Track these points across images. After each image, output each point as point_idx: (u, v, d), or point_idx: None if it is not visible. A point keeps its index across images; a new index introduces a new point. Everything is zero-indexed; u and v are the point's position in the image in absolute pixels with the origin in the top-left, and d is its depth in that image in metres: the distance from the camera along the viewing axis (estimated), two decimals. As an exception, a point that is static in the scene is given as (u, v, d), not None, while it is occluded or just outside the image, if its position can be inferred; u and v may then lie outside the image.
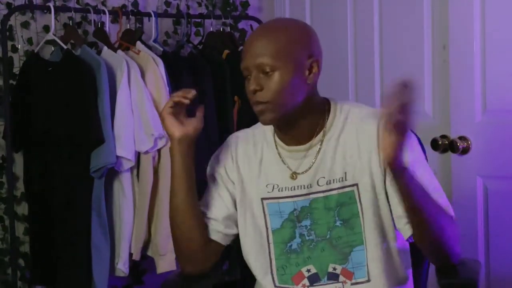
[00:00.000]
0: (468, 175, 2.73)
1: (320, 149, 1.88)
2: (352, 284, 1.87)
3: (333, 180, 1.87)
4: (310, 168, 1.89)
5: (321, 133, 1.89)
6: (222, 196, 1.97)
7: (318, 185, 1.88)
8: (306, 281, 1.89)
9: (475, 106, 2.72)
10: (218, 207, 1.96)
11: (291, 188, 1.89)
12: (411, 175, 1.74)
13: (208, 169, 2.01)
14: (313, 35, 1.89)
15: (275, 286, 1.92)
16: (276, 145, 1.93)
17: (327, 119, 1.90)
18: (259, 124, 1.96)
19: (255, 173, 1.93)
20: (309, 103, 1.87)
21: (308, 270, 1.88)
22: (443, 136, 2.79)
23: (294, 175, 1.89)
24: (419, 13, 2.93)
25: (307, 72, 1.84)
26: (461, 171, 2.74)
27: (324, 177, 1.87)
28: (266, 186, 1.92)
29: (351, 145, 1.87)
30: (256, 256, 1.95)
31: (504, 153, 2.67)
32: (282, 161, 1.91)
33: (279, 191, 1.90)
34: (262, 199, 1.92)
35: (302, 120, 1.87)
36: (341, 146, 1.87)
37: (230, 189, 1.97)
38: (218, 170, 1.98)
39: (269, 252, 1.92)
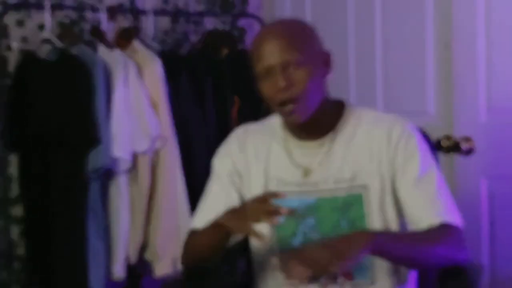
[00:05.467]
0: (472, 176, 2.73)
1: (330, 148, 1.88)
2: (352, 286, 1.86)
3: (341, 179, 1.87)
4: (319, 166, 1.89)
5: (331, 132, 1.89)
6: (229, 194, 1.95)
7: (325, 183, 1.87)
8: None
9: (479, 106, 2.71)
10: (225, 207, 1.91)
11: (297, 184, 1.89)
12: (387, 243, 1.73)
13: (216, 162, 2.00)
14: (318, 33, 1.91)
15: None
16: (285, 140, 1.93)
17: (340, 119, 1.91)
18: (269, 118, 1.97)
19: (261, 166, 1.93)
20: (325, 100, 1.88)
21: None
22: (447, 137, 2.76)
23: (305, 172, 1.89)
24: (421, 11, 2.93)
25: (324, 66, 1.86)
26: (465, 172, 2.74)
27: (332, 176, 1.87)
28: (271, 180, 1.92)
29: (362, 148, 1.87)
30: (259, 253, 1.95)
31: (509, 154, 2.66)
32: (291, 156, 1.91)
33: (284, 185, 1.90)
34: None
35: (317, 116, 1.86)
36: (352, 147, 1.88)
37: (236, 184, 1.95)
38: (225, 164, 1.97)
39: (272, 247, 1.92)
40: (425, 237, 1.79)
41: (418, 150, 1.86)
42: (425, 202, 1.83)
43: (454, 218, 1.83)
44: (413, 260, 1.79)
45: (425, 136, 2.09)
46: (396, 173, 1.85)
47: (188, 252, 1.97)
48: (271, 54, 1.80)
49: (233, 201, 1.92)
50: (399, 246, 1.74)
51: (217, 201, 1.94)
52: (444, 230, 1.80)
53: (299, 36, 1.83)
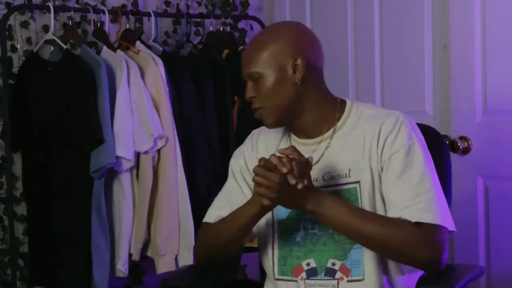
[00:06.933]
0: (468, 175, 2.73)
1: (329, 145, 1.91)
2: (348, 281, 1.87)
3: (337, 175, 1.89)
4: (317, 162, 1.91)
5: (332, 129, 1.92)
6: (242, 190, 2.01)
7: (323, 179, 1.90)
8: (304, 274, 1.90)
9: (475, 106, 2.72)
10: (241, 202, 1.96)
11: None
12: (328, 210, 1.81)
13: (232, 161, 2.06)
14: (298, 32, 1.93)
15: (274, 279, 1.94)
16: (290, 138, 1.98)
17: (340, 116, 1.93)
18: None
19: None
20: (308, 99, 1.91)
21: (308, 264, 1.90)
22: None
23: None
24: (419, 13, 2.94)
25: (291, 71, 1.88)
26: (461, 171, 2.73)
27: (329, 172, 1.90)
28: None
29: (358, 144, 1.89)
30: (262, 247, 1.98)
31: (504, 153, 2.66)
32: None
33: None
34: None
35: (305, 115, 1.92)
36: (349, 143, 1.90)
37: (248, 180, 2.00)
38: (239, 161, 2.03)
39: (273, 242, 1.95)
40: (381, 221, 1.81)
41: (404, 146, 1.83)
42: (400, 200, 1.81)
43: (432, 216, 1.79)
44: (354, 236, 1.81)
45: (438, 136, 2.12)
46: (383, 168, 1.85)
47: (206, 244, 2.00)
48: (242, 66, 1.93)
49: (247, 197, 1.94)
50: (343, 217, 1.79)
51: (230, 197, 2.00)
52: (408, 227, 1.78)
53: (260, 46, 1.89)
